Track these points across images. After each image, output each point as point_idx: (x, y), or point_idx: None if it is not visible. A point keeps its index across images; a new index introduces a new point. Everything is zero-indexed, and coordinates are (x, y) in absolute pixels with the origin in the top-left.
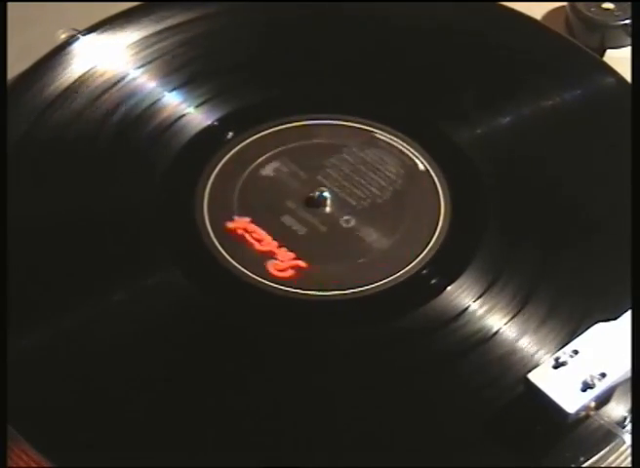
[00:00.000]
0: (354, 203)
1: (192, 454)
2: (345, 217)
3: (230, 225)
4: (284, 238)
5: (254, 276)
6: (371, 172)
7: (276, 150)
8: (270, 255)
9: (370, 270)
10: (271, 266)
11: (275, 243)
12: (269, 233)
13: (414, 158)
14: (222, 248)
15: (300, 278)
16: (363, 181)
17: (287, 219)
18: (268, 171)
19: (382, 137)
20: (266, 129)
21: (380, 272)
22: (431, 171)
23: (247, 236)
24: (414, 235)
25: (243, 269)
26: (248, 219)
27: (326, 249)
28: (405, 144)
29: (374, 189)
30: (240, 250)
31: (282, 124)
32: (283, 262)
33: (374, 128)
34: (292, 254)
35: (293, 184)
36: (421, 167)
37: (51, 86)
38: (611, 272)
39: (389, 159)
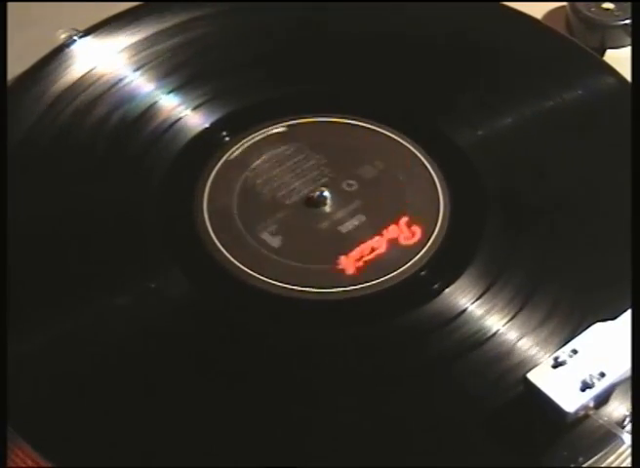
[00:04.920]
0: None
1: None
2: (348, 182)
3: (348, 263)
4: (365, 232)
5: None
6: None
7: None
8: (394, 240)
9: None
10: (403, 241)
11: (378, 237)
12: (363, 240)
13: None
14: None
15: (424, 226)
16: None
17: (343, 227)
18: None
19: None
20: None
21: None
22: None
23: (366, 257)
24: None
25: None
26: (343, 257)
27: (383, 201)
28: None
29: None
30: (379, 266)
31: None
32: (402, 232)
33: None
34: (393, 225)
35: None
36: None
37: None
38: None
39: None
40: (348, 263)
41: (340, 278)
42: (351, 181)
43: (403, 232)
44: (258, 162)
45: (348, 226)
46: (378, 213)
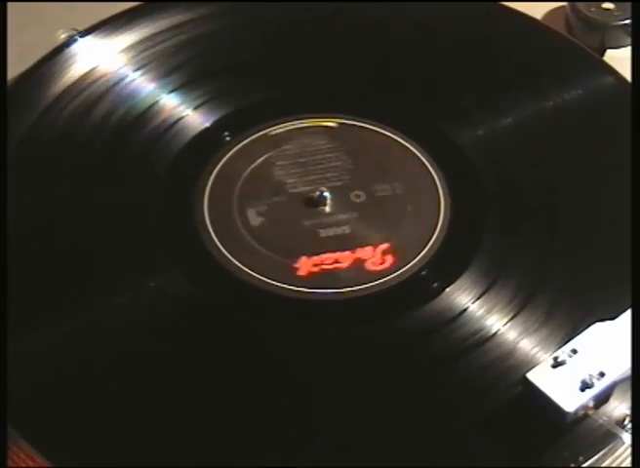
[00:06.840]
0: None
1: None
2: (357, 193)
3: (303, 272)
4: (346, 243)
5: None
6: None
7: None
8: (361, 261)
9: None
10: (369, 265)
11: (349, 252)
12: (334, 250)
13: None
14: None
15: (399, 257)
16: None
17: (325, 232)
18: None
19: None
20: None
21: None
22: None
23: (325, 267)
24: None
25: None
26: (304, 258)
27: (378, 223)
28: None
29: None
30: (331, 279)
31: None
32: (374, 257)
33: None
34: (370, 248)
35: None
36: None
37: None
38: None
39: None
40: (304, 270)
41: (290, 277)
42: (360, 193)
43: (374, 257)
44: (282, 148)
45: (327, 232)
46: (364, 231)
